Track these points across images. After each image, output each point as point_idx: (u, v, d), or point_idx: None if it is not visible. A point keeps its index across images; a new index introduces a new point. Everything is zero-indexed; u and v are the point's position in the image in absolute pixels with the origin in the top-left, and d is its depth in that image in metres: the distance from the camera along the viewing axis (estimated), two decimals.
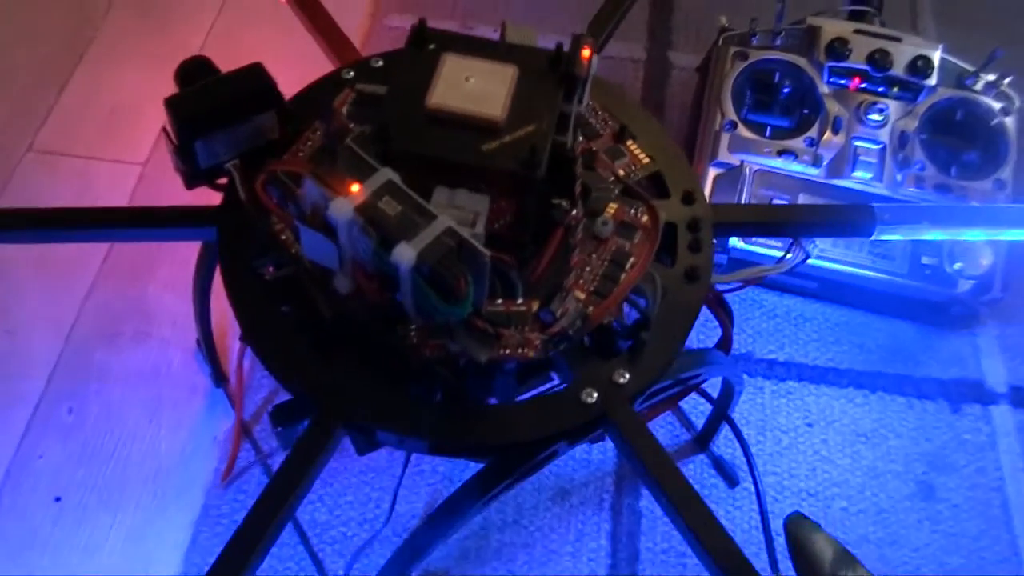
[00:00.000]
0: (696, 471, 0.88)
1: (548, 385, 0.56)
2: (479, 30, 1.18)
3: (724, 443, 0.89)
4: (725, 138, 0.92)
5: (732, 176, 0.91)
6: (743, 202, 0.89)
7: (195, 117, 0.53)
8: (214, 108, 0.53)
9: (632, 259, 0.56)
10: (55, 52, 1.14)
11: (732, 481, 0.87)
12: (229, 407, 0.88)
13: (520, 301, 0.53)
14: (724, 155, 0.92)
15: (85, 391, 0.88)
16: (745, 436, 0.88)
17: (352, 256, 0.47)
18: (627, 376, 0.53)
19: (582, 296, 0.54)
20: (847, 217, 0.62)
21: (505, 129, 0.49)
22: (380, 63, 0.66)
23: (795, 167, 0.91)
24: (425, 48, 0.53)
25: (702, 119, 0.95)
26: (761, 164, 0.91)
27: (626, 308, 0.56)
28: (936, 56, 0.93)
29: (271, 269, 0.55)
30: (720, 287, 0.64)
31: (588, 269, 0.55)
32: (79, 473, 0.84)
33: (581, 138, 0.60)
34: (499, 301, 0.53)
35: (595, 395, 0.52)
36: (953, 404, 0.93)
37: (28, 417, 0.86)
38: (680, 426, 0.91)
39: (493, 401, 0.55)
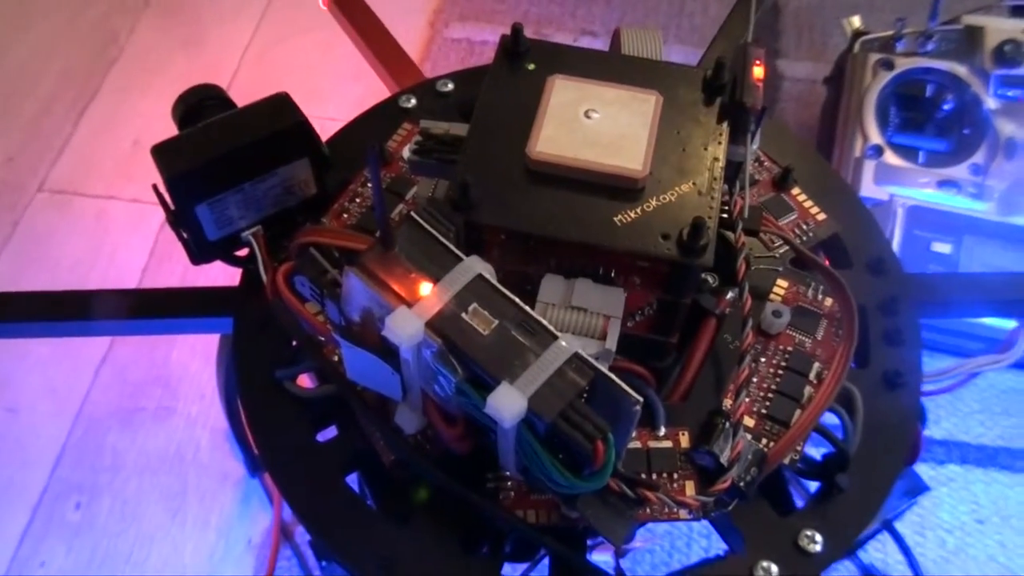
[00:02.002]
0: None
1: None
2: (556, 39, 1.01)
3: (875, 546, 0.71)
4: (869, 166, 0.74)
5: (879, 214, 0.73)
6: (893, 245, 0.71)
7: (194, 172, 0.37)
8: (221, 160, 0.38)
9: (816, 364, 0.39)
10: (73, 75, 1.00)
11: None
12: (267, 501, 0.73)
13: (663, 432, 0.36)
14: (868, 188, 0.74)
15: (95, 481, 0.74)
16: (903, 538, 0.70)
17: (423, 387, 0.31)
18: (820, 540, 0.36)
19: (751, 423, 0.37)
20: None
21: (649, 190, 0.33)
22: (450, 86, 0.50)
23: (959, 202, 0.73)
24: (521, 66, 0.37)
25: (837, 143, 0.78)
26: (916, 198, 0.73)
27: None
28: None
29: (304, 384, 0.39)
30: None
31: (755, 380, 0.38)
32: None
33: (739, 188, 0.43)
34: (632, 434, 0.36)
35: (775, 571, 0.35)
36: None
37: (29, 515, 0.72)
38: None
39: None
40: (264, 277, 0.40)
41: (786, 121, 0.96)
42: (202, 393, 0.78)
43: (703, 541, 0.71)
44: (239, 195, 0.40)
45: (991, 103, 0.76)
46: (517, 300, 0.29)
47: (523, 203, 0.32)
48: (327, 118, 0.92)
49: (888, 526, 0.67)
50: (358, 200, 0.44)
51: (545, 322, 0.28)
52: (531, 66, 0.36)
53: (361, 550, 0.36)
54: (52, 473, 0.74)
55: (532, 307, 0.33)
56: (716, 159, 0.34)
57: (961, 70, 0.77)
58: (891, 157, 0.75)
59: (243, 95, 0.99)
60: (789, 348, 0.39)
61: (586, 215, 0.32)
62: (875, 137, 0.75)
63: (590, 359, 0.28)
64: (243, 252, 0.44)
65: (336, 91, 0.94)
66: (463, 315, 0.28)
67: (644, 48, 0.44)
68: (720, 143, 0.34)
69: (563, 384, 0.27)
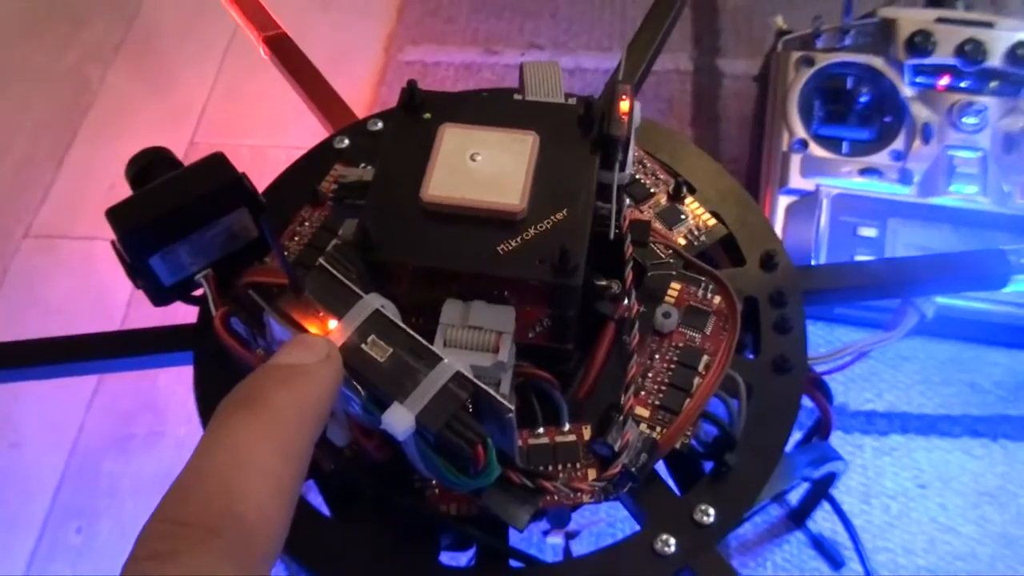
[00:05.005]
0: (793, 553, 0.75)
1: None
2: (505, 55, 1.06)
3: (823, 516, 0.76)
4: (795, 160, 0.79)
5: (807, 204, 0.78)
6: (821, 233, 0.76)
7: (144, 229, 0.43)
8: (167, 216, 0.43)
9: (705, 357, 0.44)
10: (51, 124, 1.06)
11: (836, 563, 0.74)
12: None
13: (567, 428, 0.41)
14: (796, 180, 0.79)
15: (94, 506, 0.79)
16: (847, 505, 0.76)
17: (343, 408, 0.36)
18: (712, 513, 0.41)
19: (646, 414, 0.42)
20: (972, 268, 0.49)
21: (527, 221, 0.38)
22: (379, 125, 0.55)
23: (881, 187, 0.78)
24: (419, 116, 0.42)
25: (766, 139, 0.82)
26: (840, 187, 0.78)
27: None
28: None
29: None
30: (817, 368, 0.51)
31: (651, 375, 0.43)
32: None
33: (628, 203, 0.48)
34: (540, 430, 0.41)
35: (673, 543, 0.40)
36: None
37: (34, 540, 0.78)
38: (769, 499, 0.78)
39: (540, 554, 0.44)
40: (215, 315, 0.44)
41: (728, 116, 1.01)
42: (189, 416, 0.83)
43: None
44: (187, 245, 0.45)
45: (907, 91, 0.80)
46: (409, 330, 0.34)
47: (419, 240, 0.37)
48: (292, 147, 0.98)
49: (828, 497, 0.72)
50: (296, 238, 0.49)
51: (432, 347, 0.33)
52: (427, 115, 0.41)
53: (311, 547, 0.41)
54: (53, 501, 0.79)
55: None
56: (588, 187, 0.39)
57: (877, 62, 0.81)
58: (816, 149, 0.80)
59: (213, 130, 1.05)
60: (680, 344, 0.44)
61: (474, 247, 0.37)
62: (800, 131, 0.80)
63: (470, 376, 0.33)
64: (199, 292, 0.49)
65: (297, 121, 0.98)
66: (363, 345, 0.33)
67: (542, 80, 0.48)
68: (592, 172, 0.39)
69: (447, 399, 0.32)
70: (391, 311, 0.35)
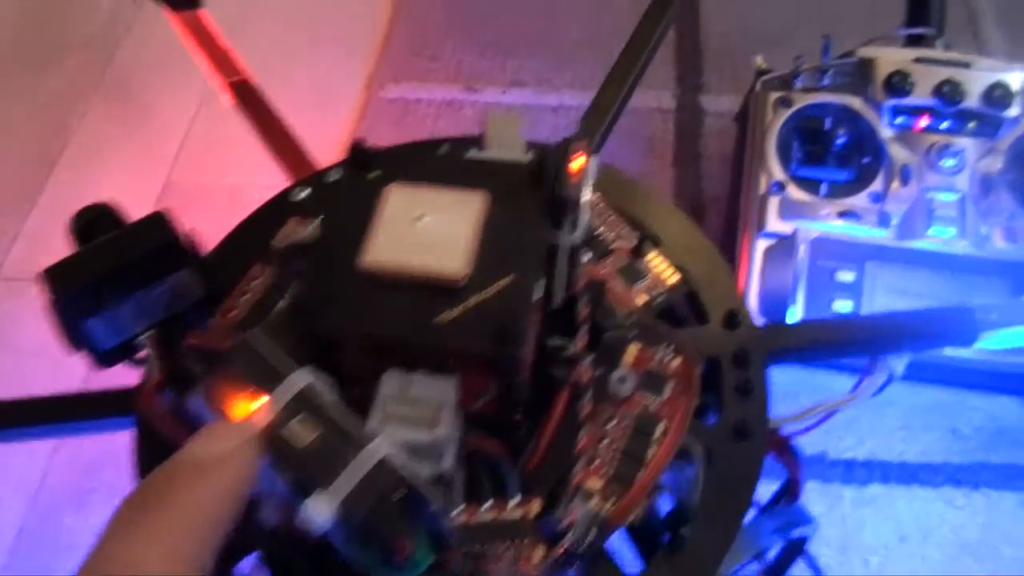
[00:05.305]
0: None
1: None
2: (486, 93, 1.06)
3: (800, 573, 0.74)
4: (774, 202, 0.78)
5: (785, 247, 0.76)
6: (799, 278, 0.75)
7: (79, 292, 0.41)
8: (103, 278, 0.41)
9: (662, 424, 0.42)
10: (26, 164, 1.04)
11: None
12: None
13: (516, 502, 0.40)
14: (774, 223, 0.77)
15: (52, 564, 0.77)
16: (825, 558, 0.74)
17: (271, 488, 0.34)
18: None
19: (598, 485, 0.40)
20: (940, 327, 0.48)
21: (469, 287, 0.36)
22: (338, 176, 0.53)
23: (860, 230, 0.77)
24: (366, 175, 0.40)
25: (744, 181, 0.81)
26: (819, 230, 0.77)
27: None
28: (1017, 80, 0.78)
29: None
30: (784, 430, 0.50)
31: (605, 443, 0.41)
32: None
33: (588, 258, 0.47)
34: (487, 505, 0.40)
35: None
36: None
37: None
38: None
39: None
40: (154, 380, 0.43)
41: (710, 154, 1.00)
42: None
43: None
44: (126, 307, 0.43)
45: (885, 132, 0.79)
46: (340, 408, 0.32)
47: (356, 309, 0.36)
48: (268, 186, 0.96)
49: (804, 554, 0.70)
50: (248, 295, 0.48)
51: (364, 425, 0.32)
52: (376, 174, 0.40)
53: None
54: (9, 558, 0.77)
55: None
56: (537, 250, 0.37)
57: (856, 102, 0.80)
58: (794, 191, 0.79)
59: (190, 169, 1.03)
60: (636, 411, 0.42)
61: (412, 316, 0.35)
62: (778, 173, 0.79)
63: (398, 461, 0.31)
64: (143, 353, 0.47)
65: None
66: (288, 427, 0.31)
67: (502, 132, 0.47)
68: (543, 234, 0.38)
69: (370, 490, 0.30)
70: (324, 386, 0.33)
